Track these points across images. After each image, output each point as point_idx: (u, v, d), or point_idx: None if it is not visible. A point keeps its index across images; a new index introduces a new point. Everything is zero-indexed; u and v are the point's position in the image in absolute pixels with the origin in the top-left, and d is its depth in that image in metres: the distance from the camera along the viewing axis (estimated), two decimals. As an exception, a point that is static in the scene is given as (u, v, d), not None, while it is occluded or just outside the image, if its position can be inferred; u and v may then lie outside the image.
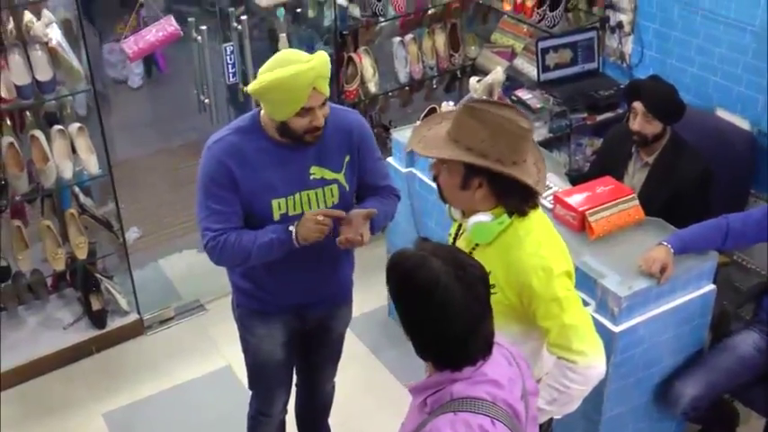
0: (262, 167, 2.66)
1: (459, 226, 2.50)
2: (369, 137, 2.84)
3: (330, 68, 2.60)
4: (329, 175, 2.72)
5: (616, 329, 2.96)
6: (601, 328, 2.95)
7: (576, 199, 3.29)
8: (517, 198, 2.31)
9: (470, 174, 2.28)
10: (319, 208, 2.72)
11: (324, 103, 2.61)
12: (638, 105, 3.48)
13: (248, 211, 2.70)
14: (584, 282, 3.04)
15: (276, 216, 2.68)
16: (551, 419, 2.57)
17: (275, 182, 2.67)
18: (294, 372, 3.21)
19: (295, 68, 2.48)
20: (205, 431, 3.82)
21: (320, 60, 2.53)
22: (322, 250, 2.71)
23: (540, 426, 2.47)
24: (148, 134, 5.84)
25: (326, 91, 2.59)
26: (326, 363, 3.25)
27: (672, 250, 3.02)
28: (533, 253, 2.31)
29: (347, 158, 2.75)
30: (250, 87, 2.57)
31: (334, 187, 2.74)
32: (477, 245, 2.40)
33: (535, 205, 2.38)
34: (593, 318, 2.98)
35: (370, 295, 4.40)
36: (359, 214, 2.69)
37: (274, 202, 2.68)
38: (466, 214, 2.40)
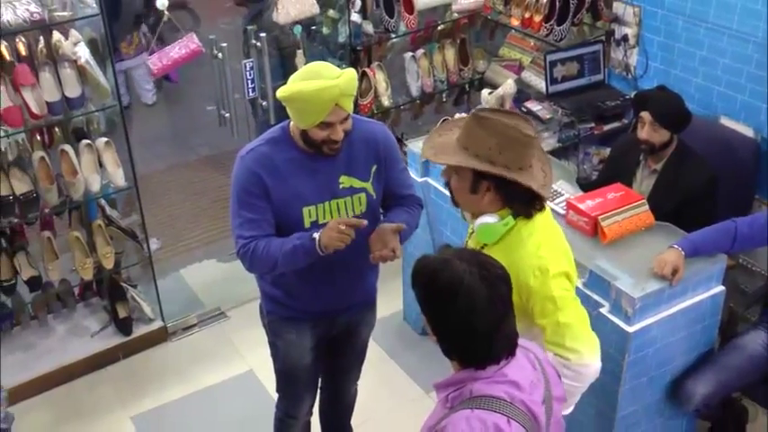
0: (292, 176, 2.69)
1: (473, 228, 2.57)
2: (394, 147, 2.87)
3: (356, 85, 2.63)
4: (357, 183, 2.75)
5: (630, 330, 2.98)
6: (615, 329, 3.00)
7: (589, 205, 3.32)
8: (523, 201, 2.39)
9: (479, 179, 2.36)
10: (348, 216, 2.75)
11: (346, 119, 2.62)
12: (645, 115, 3.51)
13: (280, 219, 2.72)
14: (599, 284, 3.07)
15: (307, 223, 2.71)
16: None
17: (305, 190, 2.70)
18: (319, 375, 3.23)
19: (320, 84, 2.51)
20: (231, 431, 3.85)
21: (346, 78, 2.55)
22: (349, 259, 2.71)
23: None
24: (164, 149, 5.89)
25: (349, 108, 2.61)
26: (352, 366, 3.28)
27: (683, 253, 3.05)
28: (533, 253, 2.39)
29: (374, 168, 2.78)
30: (279, 92, 2.60)
31: (363, 196, 2.77)
32: (484, 245, 2.47)
33: (542, 208, 2.45)
34: (607, 318, 3.02)
35: (385, 300, 4.37)
36: (388, 229, 2.71)
37: (305, 210, 2.70)
38: (474, 216, 2.48)
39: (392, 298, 4.35)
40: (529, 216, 2.42)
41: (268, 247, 2.68)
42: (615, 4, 4.55)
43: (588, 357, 2.40)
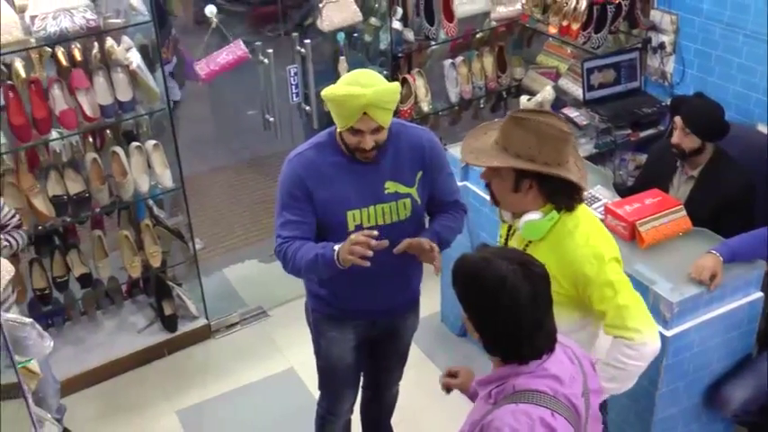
0: (337, 180, 2.70)
1: (509, 227, 2.59)
2: (440, 154, 2.86)
3: (395, 100, 2.61)
4: (403, 189, 2.75)
5: (668, 334, 2.95)
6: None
7: (626, 210, 3.30)
8: (565, 195, 2.43)
9: (521, 177, 2.39)
10: (393, 220, 2.74)
11: (377, 130, 2.61)
12: (677, 119, 3.50)
13: (325, 221, 2.74)
14: (637, 288, 2.97)
15: (351, 226, 2.71)
16: (606, 404, 2.62)
17: (350, 194, 2.71)
18: (362, 374, 3.24)
19: (349, 90, 2.54)
20: (272, 427, 3.88)
21: (377, 90, 2.53)
22: (394, 262, 2.71)
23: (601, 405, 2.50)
24: (206, 152, 5.93)
25: (380, 120, 2.58)
26: (394, 367, 3.28)
27: (721, 259, 3.01)
28: (584, 243, 2.42)
29: (420, 174, 2.78)
30: (322, 92, 2.63)
31: (407, 201, 2.76)
32: (529, 242, 2.49)
33: (581, 200, 2.48)
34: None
35: (423, 301, 4.30)
36: (425, 243, 2.69)
37: (349, 214, 2.71)
38: (516, 215, 2.49)
39: (430, 299, 4.34)
40: (571, 208, 2.45)
41: (298, 250, 2.69)
42: (652, 12, 4.51)
43: (649, 335, 2.42)
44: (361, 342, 3.05)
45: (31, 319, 2.35)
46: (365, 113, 2.54)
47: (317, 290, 2.94)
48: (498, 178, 2.44)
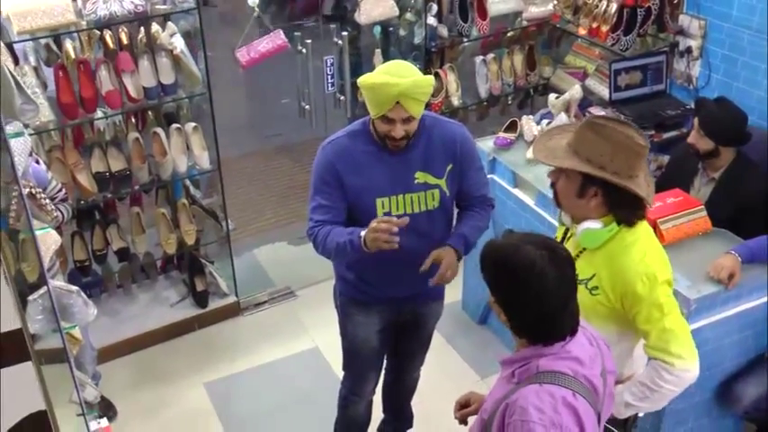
0: (368, 168, 2.72)
1: (566, 231, 2.52)
2: (471, 148, 2.87)
3: (428, 92, 2.62)
4: (432, 180, 2.76)
5: (684, 330, 2.96)
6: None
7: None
8: (629, 209, 2.35)
9: (587, 183, 2.32)
10: (421, 210, 2.76)
11: (407, 120, 2.62)
12: (695, 120, 3.48)
13: (355, 207, 2.77)
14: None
15: (380, 213, 2.73)
16: (636, 414, 2.58)
17: (380, 182, 2.73)
18: (385, 357, 3.27)
19: (385, 79, 2.55)
20: (295, 403, 3.92)
21: (411, 81, 2.55)
22: (419, 250, 2.72)
23: (626, 420, 2.49)
24: (241, 137, 5.96)
25: (412, 110, 2.59)
26: (417, 352, 3.30)
27: (739, 259, 3.01)
28: (639, 261, 2.33)
29: (450, 167, 2.78)
30: (360, 79, 2.65)
31: (436, 192, 2.78)
32: (583, 249, 2.42)
33: (643, 216, 2.40)
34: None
35: (446, 289, 4.45)
36: (451, 252, 2.74)
37: (378, 201, 2.73)
38: (576, 220, 2.42)
39: (452, 287, 4.25)
40: (631, 224, 2.37)
41: (328, 234, 2.72)
42: (681, 17, 4.48)
43: (690, 363, 2.37)
44: (386, 326, 3.08)
45: (76, 287, 2.40)
46: (398, 103, 2.56)
47: (344, 273, 2.97)
48: (565, 180, 2.37)
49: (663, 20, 4.59)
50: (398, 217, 2.64)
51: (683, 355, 2.35)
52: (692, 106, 4.23)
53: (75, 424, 2.60)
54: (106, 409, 3.71)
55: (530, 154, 2.59)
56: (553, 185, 2.44)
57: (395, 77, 2.55)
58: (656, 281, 2.33)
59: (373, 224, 2.57)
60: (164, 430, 3.81)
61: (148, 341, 4.24)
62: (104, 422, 2.88)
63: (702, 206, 3.31)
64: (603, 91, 4.69)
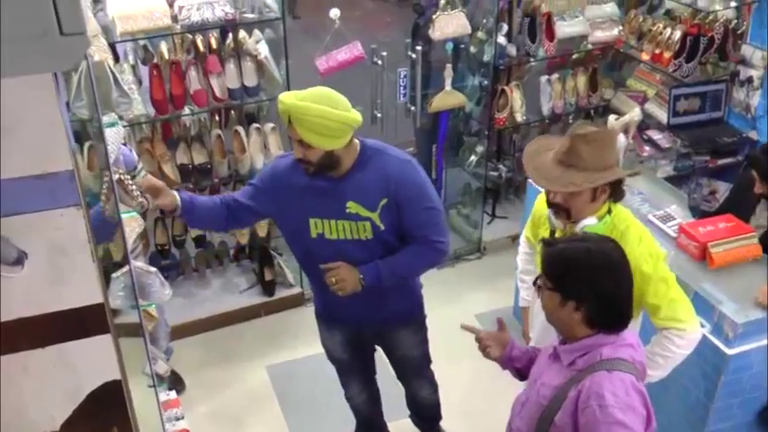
0: (302, 193, 2.61)
1: (552, 232, 2.52)
2: (410, 186, 2.60)
3: (321, 124, 2.41)
4: (364, 212, 2.59)
5: (729, 352, 2.85)
6: (714, 350, 2.88)
7: (700, 231, 3.19)
8: (621, 188, 2.45)
9: (598, 187, 2.38)
10: (353, 237, 2.62)
11: (302, 144, 2.46)
12: (753, 173, 3.26)
13: (290, 224, 2.71)
14: (702, 306, 2.94)
15: (313, 234, 2.63)
16: None
17: (313, 206, 2.61)
18: (366, 367, 3.24)
19: (281, 96, 2.45)
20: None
21: (296, 105, 2.39)
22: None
23: None
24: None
25: (303, 135, 2.43)
26: (409, 377, 3.21)
27: (788, 287, 2.89)
28: (638, 243, 2.40)
29: (383, 201, 2.57)
30: None
31: (368, 224, 2.60)
32: None
33: None
34: (708, 339, 2.89)
35: (497, 295, 4.39)
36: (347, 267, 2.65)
37: (312, 221, 2.62)
38: (570, 221, 2.45)
39: (503, 296, 4.31)
40: (622, 197, 2.45)
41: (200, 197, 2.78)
42: (744, 47, 4.34)
43: (696, 325, 2.43)
44: (353, 343, 3.00)
45: (155, 269, 2.44)
46: (290, 122, 2.44)
47: (311, 286, 2.90)
48: (576, 196, 2.37)
49: (725, 49, 4.46)
50: (331, 242, 2.61)
51: (689, 319, 2.41)
52: (748, 135, 4.09)
53: (146, 394, 2.64)
54: (176, 382, 3.77)
55: (532, 179, 2.59)
56: (555, 204, 2.42)
57: (289, 96, 2.43)
58: (658, 258, 2.41)
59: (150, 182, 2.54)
60: (226, 407, 3.85)
61: (218, 323, 4.28)
62: (173, 394, 2.93)
63: (755, 232, 3.18)
64: (662, 115, 4.57)
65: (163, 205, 2.55)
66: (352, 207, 2.59)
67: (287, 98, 2.42)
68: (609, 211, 2.43)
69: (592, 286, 1.96)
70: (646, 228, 2.52)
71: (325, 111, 2.41)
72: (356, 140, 2.61)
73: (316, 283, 2.78)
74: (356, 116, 2.51)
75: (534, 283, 2.10)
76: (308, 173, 2.55)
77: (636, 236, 2.40)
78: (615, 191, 2.42)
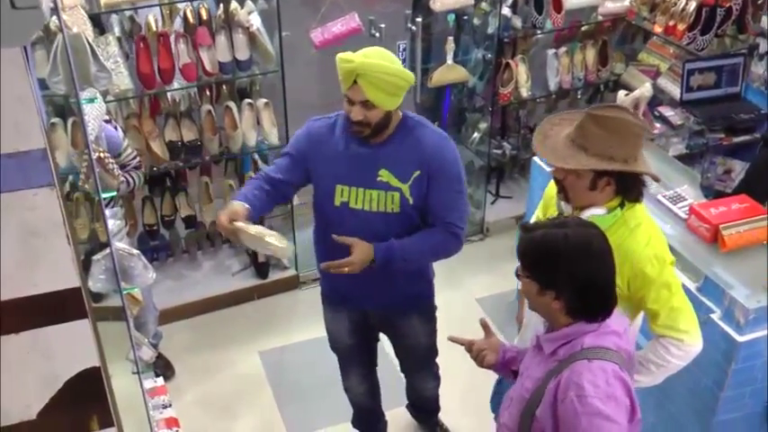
0: (335, 155, 2.64)
1: (558, 215, 2.47)
2: (447, 164, 2.63)
3: (394, 83, 2.47)
4: (394, 182, 2.60)
5: (739, 339, 2.84)
6: (724, 336, 2.87)
7: (712, 212, 3.17)
8: (637, 188, 2.36)
9: (599, 176, 2.32)
10: (378, 210, 2.63)
11: (366, 104, 2.48)
12: None
13: (316, 188, 2.74)
14: (713, 290, 2.93)
15: (337, 201, 2.63)
16: None
17: (343, 171, 2.62)
18: (368, 356, 3.23)
19: (345, 56, 2.46)
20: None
21: (368, 62, 2.43)
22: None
23: None
24: (307, 115, 5.96)
25: (370, 94, 2.45)
26: (413, 368, 3.23)
27: (803, 272, 2.88)
28: (646, 243, 2.35)
29: (417, 173, 2.60)
30: None
31: (396, 195, 2.61)
32: None
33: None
34: (717, 325, 2.89)
35: (499, 278, 4.40)
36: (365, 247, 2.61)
37: (338, 187, 2.63)
38: (577, 208, 2.41)
39: (506, 279, 4.28)
40: (639, 200, 2.38)
41: (248, 184, 2.79)
42: (764, 18, 4.29)
43: (697, 338, 2.40)
44: (358, 328, 3.00)
45: (138, 251, 2.43)
46: (356, 82, 2.45)
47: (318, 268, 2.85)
48: (575, 177, 2.33)
49: (744, 20, 4.41)
50: (354, 212, 2.60)
51: (690, 331, 2.38)
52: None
53: (130, 381, 2.65)
54: (165, 368, 3.79)
55: (536, 150, 2.53)
56: (559, 181, 2.40)
57: (355, 55, 2.45)
58: (664, 262, 2.36)
59: (222, 217, 2.52)
60: (218, 393, 3.86)
61: (209, 307, 4.30)
62: (160, 381, 2.92)
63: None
64: (675, 91, 4.54)
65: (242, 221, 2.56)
66: (383, 175, 2.60)
67: (354, 57, 2.44)
68: (622, 205, 2.36)
69: (569, 274, 1.93)
70: (661, 232, 2.46)
71: (393, 68, 2.48)
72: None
73: (327, 260, 2.68)
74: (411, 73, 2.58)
75: (516, 274, 2.07)
76: (361, 136, 2.57)
77: (645, 235, 2.35)
78: (625, 188, 2.33)
